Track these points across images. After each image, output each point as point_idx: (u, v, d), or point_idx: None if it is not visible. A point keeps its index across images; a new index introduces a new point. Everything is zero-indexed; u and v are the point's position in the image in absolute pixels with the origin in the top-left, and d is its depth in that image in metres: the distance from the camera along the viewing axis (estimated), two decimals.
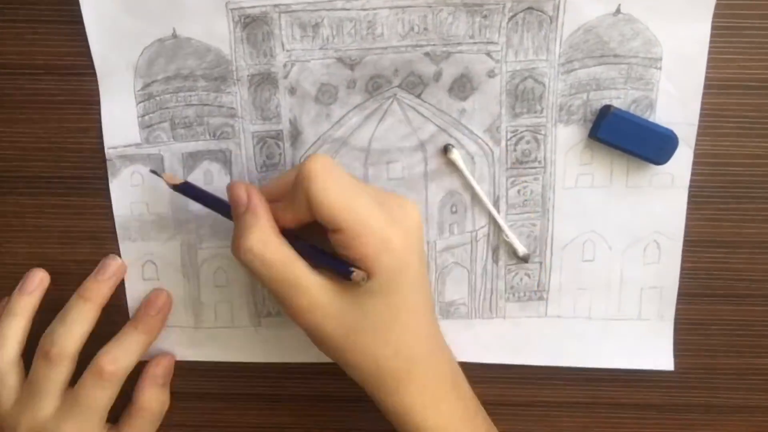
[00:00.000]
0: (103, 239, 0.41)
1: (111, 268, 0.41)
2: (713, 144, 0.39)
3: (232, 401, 0.44)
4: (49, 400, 0.39)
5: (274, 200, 0.35)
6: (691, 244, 0.40)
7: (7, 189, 0.41)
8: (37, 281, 0.41)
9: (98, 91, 0.39)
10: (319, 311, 0.34)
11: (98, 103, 0.39)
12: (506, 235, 0.40)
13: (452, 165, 0.39)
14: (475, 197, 0.40)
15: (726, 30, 0.37)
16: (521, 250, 0.40)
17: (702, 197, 0.40)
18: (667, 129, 0.38)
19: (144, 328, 0.41)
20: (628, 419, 0.44)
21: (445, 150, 0.39)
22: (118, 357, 0.39)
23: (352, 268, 0.33)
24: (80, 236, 0.42)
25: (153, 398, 0.42)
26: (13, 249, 0.42)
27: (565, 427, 0.44)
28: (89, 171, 0.41)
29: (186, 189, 0.37)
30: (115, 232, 0.41)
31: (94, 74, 0.39)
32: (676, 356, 0.42)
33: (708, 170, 0.39)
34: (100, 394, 0.39)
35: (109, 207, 0.41)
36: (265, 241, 0.33)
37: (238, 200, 0.35)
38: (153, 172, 0.38)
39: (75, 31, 0.38)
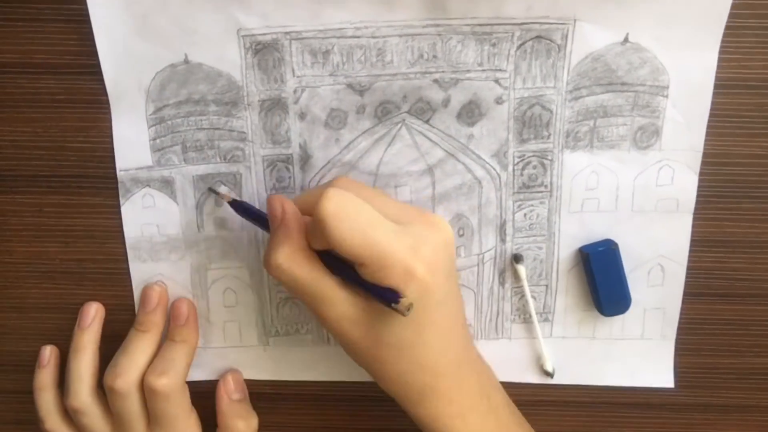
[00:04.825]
0: (102, 238, 0.42)
1: (153, 298, 0.41)
2: (715, 143, 0.39)
3: None
4: (137, 429, 0.40)
5: (309, 213, 0.35)
6: (692, 244, 0.40)
7: (7, 188, 0.41)
8: (93, 313, 0.42)
9: (99, 89, 0.39)
10: (345, 322, 0.35)
11: (98, 101, 0.39)
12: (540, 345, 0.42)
13: (459, 189, 0.40)
14: (483, 220, 0.40)
15: (729, 29, 0.37)
16: (550, 366, 0.42)
17: (703, 197, 0.40)
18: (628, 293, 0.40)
19: (180, 337, 0.41)
20: (629, 419, 0.44)
21: (515, 259, 0.41)
22: (165, 369, 0.40)
23: (397, 298, 0.32)
24: (80, 235, 0.42)
25: (235, 414, 0.42)
26: (12, 248, 0.42)
27: (566, 427, 0.44)
28: (89, 170, 0.40)
29: (235, 205, 0.39)
30: (115, 230, 0.41)
31: (94, 73, 0.39)
32: (676, 356, 0.42)
33: (709, 170, 0.39)
34: (169, 409, 0.40)
35: (108, 205, 0.41)
36: (294, 258, 0.34)
37: (273, 214, 0.35)
38: (211, 190, 0.40)
39: (75, 29, 0.38)
